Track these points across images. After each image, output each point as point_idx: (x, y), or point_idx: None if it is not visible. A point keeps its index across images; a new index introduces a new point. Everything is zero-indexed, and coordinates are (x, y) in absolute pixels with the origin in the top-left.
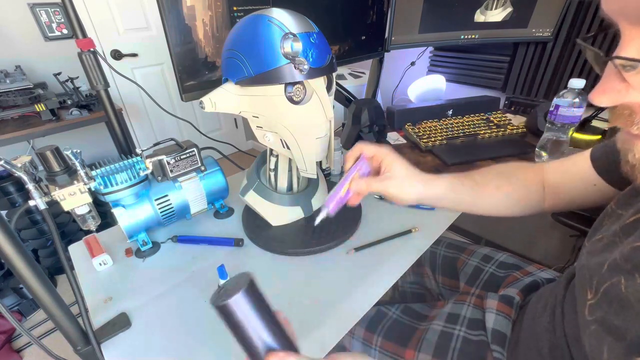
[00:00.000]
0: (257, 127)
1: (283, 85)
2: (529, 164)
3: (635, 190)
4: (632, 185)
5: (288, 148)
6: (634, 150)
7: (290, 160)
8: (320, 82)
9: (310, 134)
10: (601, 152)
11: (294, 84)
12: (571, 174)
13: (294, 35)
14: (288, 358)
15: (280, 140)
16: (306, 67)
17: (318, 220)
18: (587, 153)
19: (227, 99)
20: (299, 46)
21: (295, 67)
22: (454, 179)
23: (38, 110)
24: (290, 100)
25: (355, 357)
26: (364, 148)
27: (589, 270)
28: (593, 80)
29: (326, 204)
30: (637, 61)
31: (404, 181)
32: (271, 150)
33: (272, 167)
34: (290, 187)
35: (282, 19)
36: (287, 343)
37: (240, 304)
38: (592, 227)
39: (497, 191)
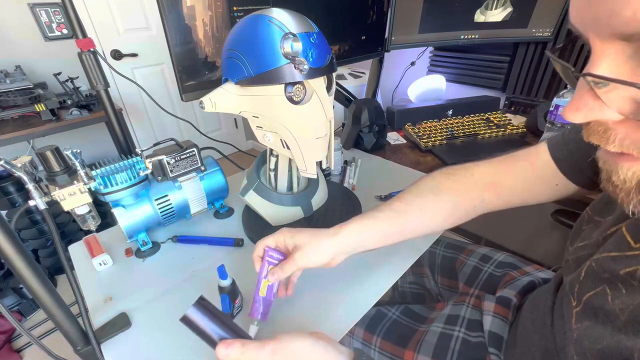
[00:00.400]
0: (257, 127)
1: (283, 85)
2: (462, 169)
3: (610, 198)
4: (605, 192)
5: (288, 148)
6: (618, 172)
7: (290, 160)
8: (320, 82)
9: (310, 134)
10: (564, 153)
11: (294, 84)
12: (529, 176)
13: (294, 35)
14: (234, 343)
15: (280, 140)
16: (306, 67)
17: (253, 334)
18: (542, 153)
19: (227, 99)
20: (299, 46)
21: (295, 67)
22: (366, 219)
23: (38, 110)
24: (290, 100)
25: (298, 337)
26: (264, 242)
27: (572, 277)
28: None
29: (253, 316)
30: (609, 80)
31: (310, 246)
32: (271, 150)
33: (272, 167)
34: (290, 187)
35: (282, 19)
36: (236, 333)
37: (193, 314)
38: (572, 232)
39: (422, 212)
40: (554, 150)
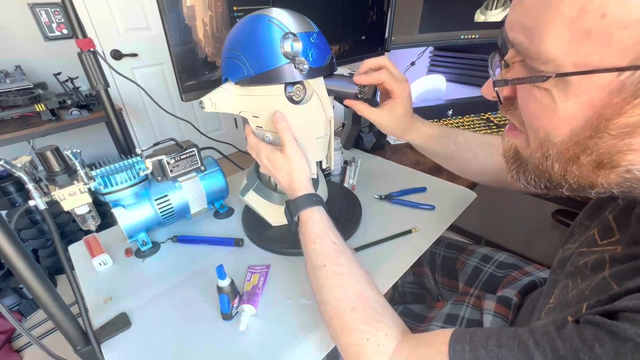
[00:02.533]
0: (257, 127)
1: (283, 85)
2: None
3: (600, 203)
4: (597, 197)
5: None
6: (504, 143)
7: None
8: (320, 82)
9: (310, 133)
10: None
11: (294, 83)
12: None
13: (294, 35)
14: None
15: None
16: (306, 66)
17: (243, 326)
18: None
19: (227, 99)
20: (299, 46)
21: (295, 67)
22: (435, 136)
23: (38, 110)
24: (290, 100)
25: None
26: (390, 68)
27: (553, 276)
28: None
29: (252, 304)
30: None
31: (394, 119)
32: None
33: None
34: None
35: (282, 18)
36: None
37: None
38: (565, 235)
39: (473, 160)
40: None
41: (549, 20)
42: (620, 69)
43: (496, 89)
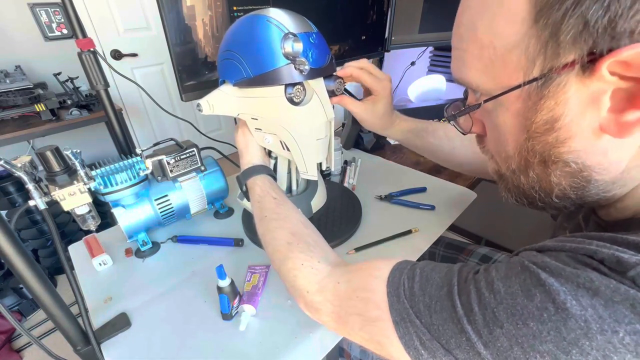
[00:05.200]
0: (256, 129)
1: (283, 87)
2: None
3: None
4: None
5: (288, 150)
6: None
7: (289, 162)
8: (320, 83)
9: (311, 135)
10: None
11: (294, 84)
12: None
13: (295, 35)
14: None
15: (280, 142)
16: (307, 67)
17: (243, 326)
18: None
19: (224, 101)
20: (299, 46)
21: (295, 68)
22: (414, 130)
23: (38, 110)
24: (291, 101)
25: None
26: (370, 69)
27: None
28: None
29: (252, 304)
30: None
31: (375, 114)
32: (269, 152)
33: (271, 169)
34: (289, 189)
35: (281, 19)
36: None
37: None
38: (549, 236)
39: (453, 151)
40: None
41: (466, 59)
42: (517, 87)
43: (461, 120)
